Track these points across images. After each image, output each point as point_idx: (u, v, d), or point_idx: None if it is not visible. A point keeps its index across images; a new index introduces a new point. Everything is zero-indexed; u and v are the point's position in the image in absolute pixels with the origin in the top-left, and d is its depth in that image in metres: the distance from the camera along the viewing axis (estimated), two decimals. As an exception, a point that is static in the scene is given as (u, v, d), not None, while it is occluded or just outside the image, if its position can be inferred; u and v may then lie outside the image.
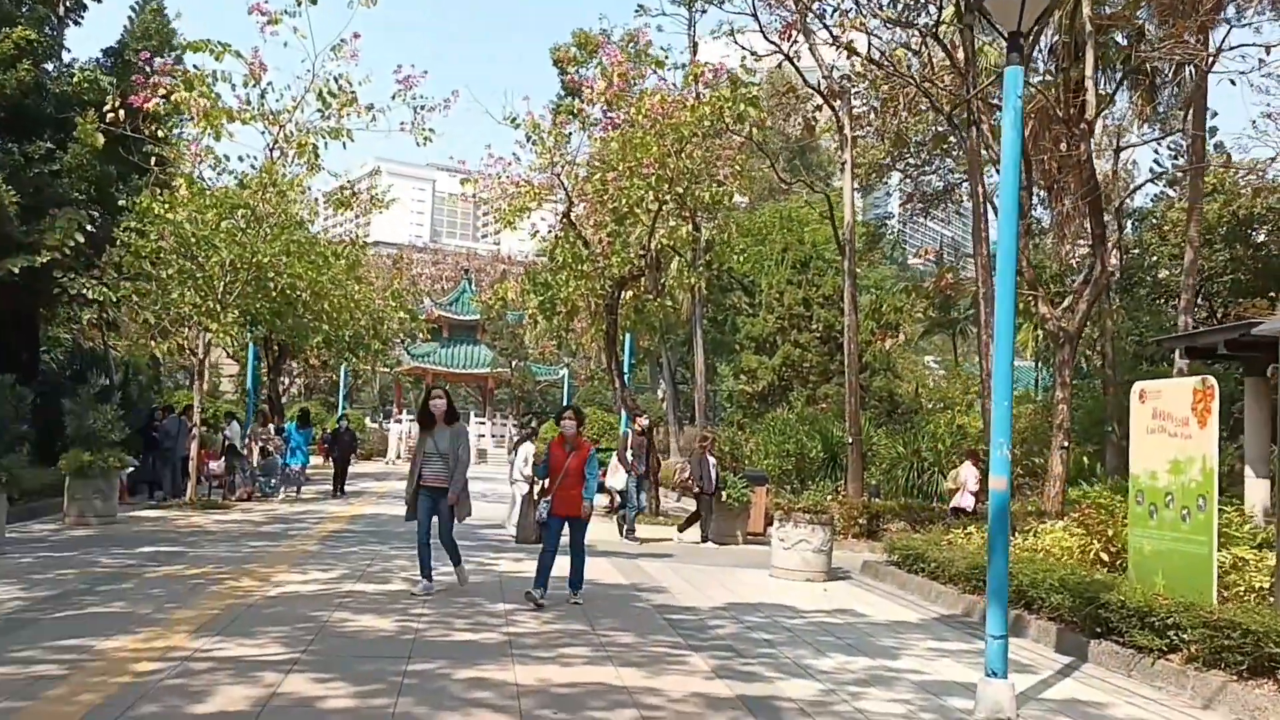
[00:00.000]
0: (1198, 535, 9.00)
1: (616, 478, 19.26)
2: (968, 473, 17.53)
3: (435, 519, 10.87)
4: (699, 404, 34.91)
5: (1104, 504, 12.10)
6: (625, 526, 18.07)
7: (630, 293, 22.63)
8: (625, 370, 24.84)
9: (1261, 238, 25.37)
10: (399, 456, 39.59)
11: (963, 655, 9.40)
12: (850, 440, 18.65)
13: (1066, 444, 19.40)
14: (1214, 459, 8.89)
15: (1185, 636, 8.49)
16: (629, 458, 18.62)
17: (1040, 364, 32.76)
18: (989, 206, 18.17)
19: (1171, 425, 9.44)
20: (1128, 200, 25.15)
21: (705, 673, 7.94)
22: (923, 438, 20.35)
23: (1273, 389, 16.46)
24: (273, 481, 23.89)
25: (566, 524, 10.67)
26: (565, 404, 50.39)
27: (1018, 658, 9.45)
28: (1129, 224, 26.78)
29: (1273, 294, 23.10)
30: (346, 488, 25.86)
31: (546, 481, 10.86)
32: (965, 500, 17.44)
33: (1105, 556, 11.42)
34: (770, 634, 9.80)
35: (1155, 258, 27.32)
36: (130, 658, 7.40)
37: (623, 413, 25.61)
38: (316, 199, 22.18)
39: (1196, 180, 20.53)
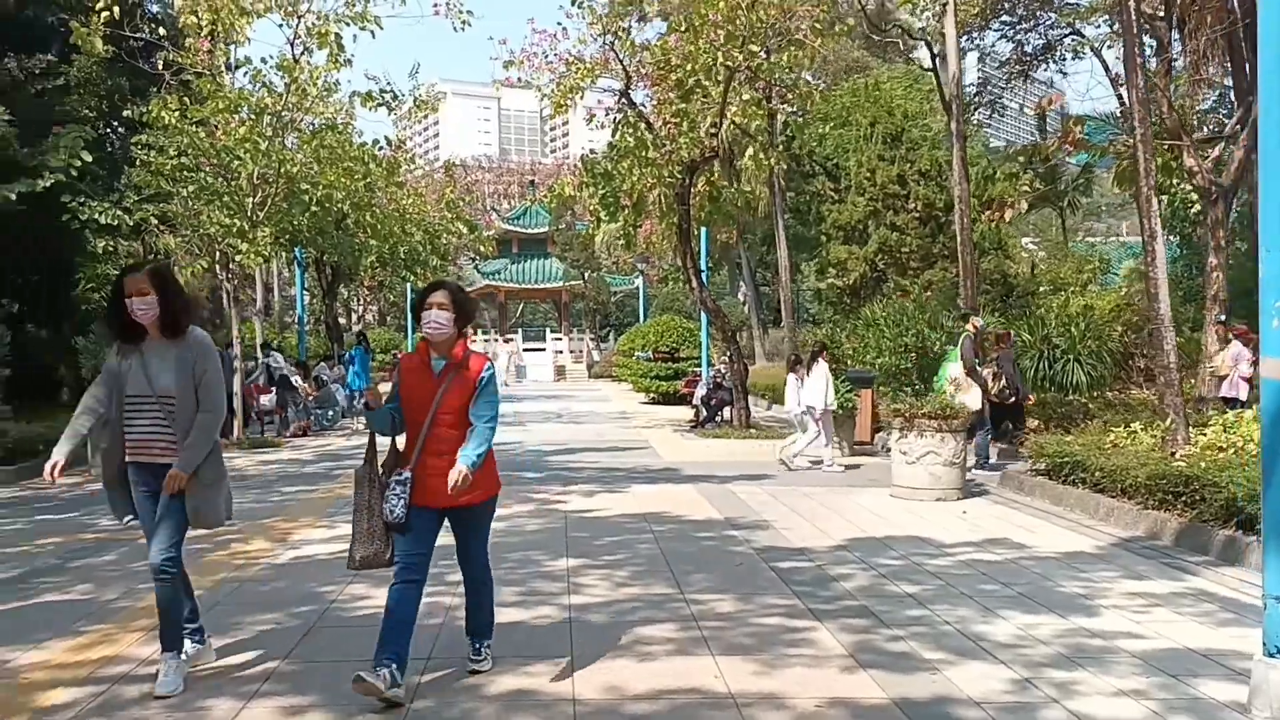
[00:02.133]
0: None
1: (971, 396, 13.70)
2: (1239, 353, 14.88)
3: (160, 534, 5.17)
4: (785, 303, 32.31)
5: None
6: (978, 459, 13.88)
7: (703, 180, 20.02)
8: (703, 269, 22.36)
9: None
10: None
11: (1181, 602, 6.96)
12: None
13: (1224, 317, 16.52)
14: None
15: None
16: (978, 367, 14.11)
17: (1173, 234, 29.36)
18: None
19: None
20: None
21: (841, 657, 5.67)
22: (1051, 322, 17.60)
23: None
24: (330, 414, 22.14)
25: (447, 521, 5.22)
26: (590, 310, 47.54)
27: (1244, 596, 7.10)
28: None
29: None
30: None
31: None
32: (1239, 389, 14.82)
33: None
34: (914, 584, 7.47)
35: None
36: (46, 680, 5.37)
37: (703, 316, 23.22)
38: (350, 99, 19.87)
39: None
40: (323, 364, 22.97)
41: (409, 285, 34.44)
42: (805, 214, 34.19)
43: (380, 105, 19.85)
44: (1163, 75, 17.27)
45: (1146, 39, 18.08)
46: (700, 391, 21.59)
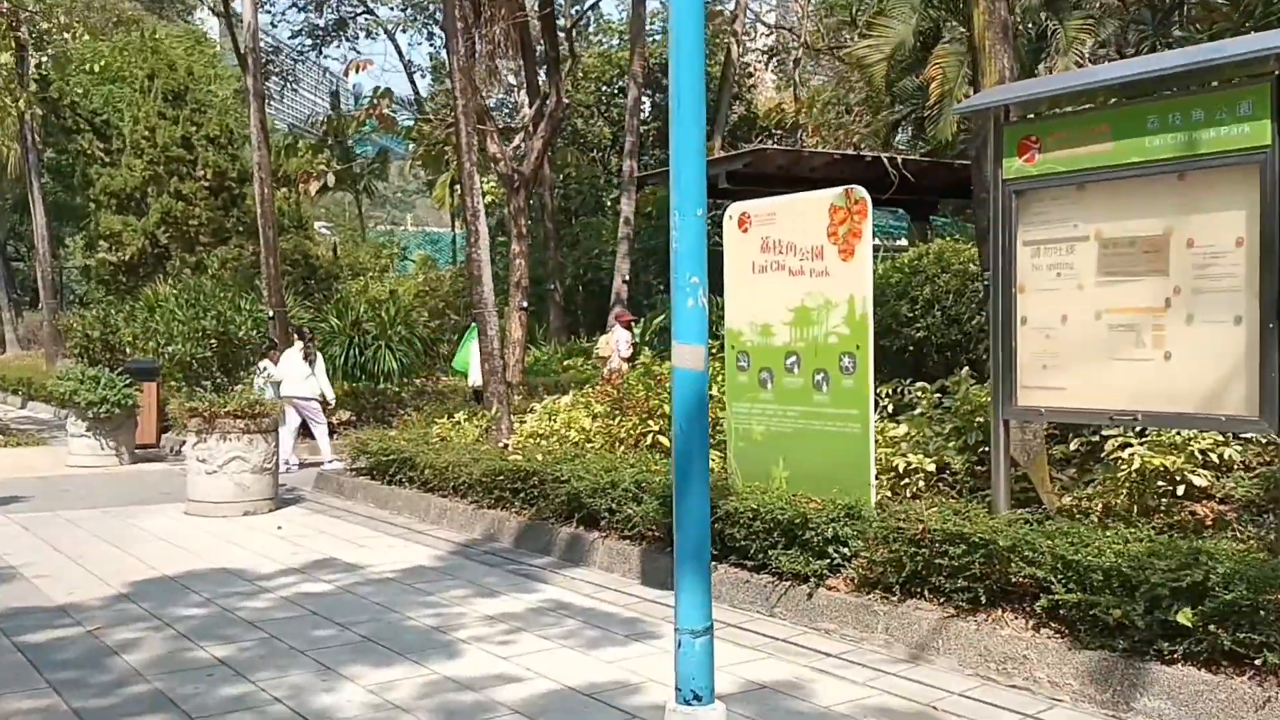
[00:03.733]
0: (844, 408, 6.51)
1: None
2: (620, 337, 14.75)
3: None
4: (44, 281, 27.31)
5: (656, 370, 9.45)
6: None
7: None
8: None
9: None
10: None
11: (543, 622, 6.09)
12: (272, 314, 14.26)
13: (526, 304, 16.86)
14: (868, 300, 6.40)
15: (848, 552, 6.04)
16: None
17: (462, 223, 30.28)
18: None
19: (795, 259, 6.79)
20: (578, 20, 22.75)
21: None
22: (361, 307, 16.52)
23: None
24: None
25: None
26: None
27: (601, 604, 6.48)
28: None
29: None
30: None
31: None
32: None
33: (665, 439, 8.76)
34: (227, 643, 5.64)
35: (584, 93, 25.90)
36: None
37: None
38: None
39: (639, 7, 18.72)
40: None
41: None
42: (69, 177, 29.25)
43: None
44: (468, 58, 17.08)
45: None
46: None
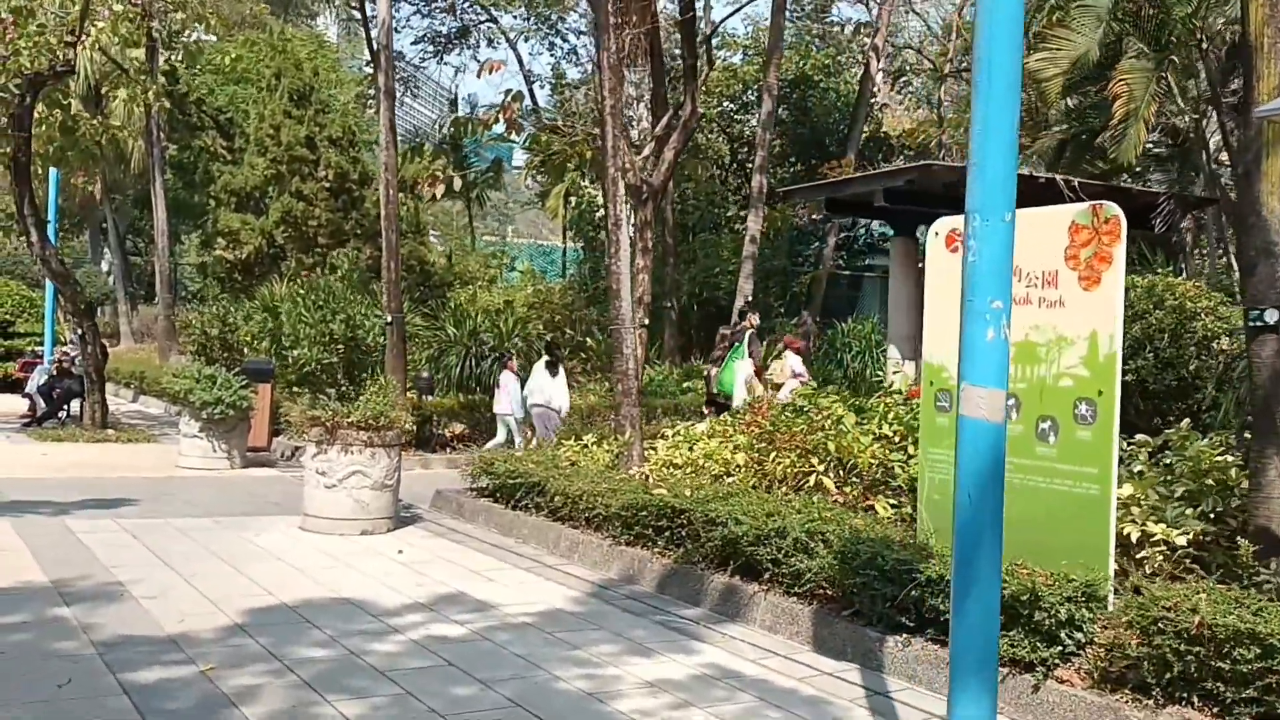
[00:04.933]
0: (1078, 464, 5.52)
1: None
2: (792, 363, 13.20)
3: None
4: (161, 276, 27.47)
5: (820, 402, 8.53)
6: None
7: (51, 103, 15.35)
8: (51, 221, 17.45)
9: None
10: None
11: (714, 695, 5.20)
12: (390, 320, 13.70)
13: (648, 320, 16.11)
14: (1116, 339, 5.40)
15: (1082, 638, 5.05)
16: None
17: (576, 235, 29.72)
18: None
19: (1021, 285, 5.79)
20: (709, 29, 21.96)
21: None
22: (476, 316, 15.91)
23: (922, 254, 14.19)
24: None
25: None
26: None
27: (773, 674, 5.58)
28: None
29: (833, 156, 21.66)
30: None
31: None
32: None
33: (829, 481, 7.82)
34: (357, 697, 4.88)
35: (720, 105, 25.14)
36: None
37: (48, 282, 18.22)
38: None
39: (778, 17, 17.85)
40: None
41: None
42: (191, 173, 29.48)
43: None
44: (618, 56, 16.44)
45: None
46: (38, 379, 16.71)
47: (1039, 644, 5.08)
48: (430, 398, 14.71)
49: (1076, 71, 12.43)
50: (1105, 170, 13.55)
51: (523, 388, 13.62)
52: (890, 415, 8.09)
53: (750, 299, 19.37)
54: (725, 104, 28.12)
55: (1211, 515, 6.09)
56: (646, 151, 16.90)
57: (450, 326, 15.62)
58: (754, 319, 13.89)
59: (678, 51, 27.19)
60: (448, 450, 13.94)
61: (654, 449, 10.29)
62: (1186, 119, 13.10)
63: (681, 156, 17.17)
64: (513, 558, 8.40)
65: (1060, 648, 5.07)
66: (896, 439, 7.83)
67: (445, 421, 14.41)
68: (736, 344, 13.06)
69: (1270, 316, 5.44)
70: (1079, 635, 5.08)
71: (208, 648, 5.56)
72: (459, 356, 15.14)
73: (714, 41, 29.84)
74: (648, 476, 8.75)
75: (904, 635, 5.74)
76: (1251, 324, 5.52)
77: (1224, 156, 14.78)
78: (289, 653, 5.54)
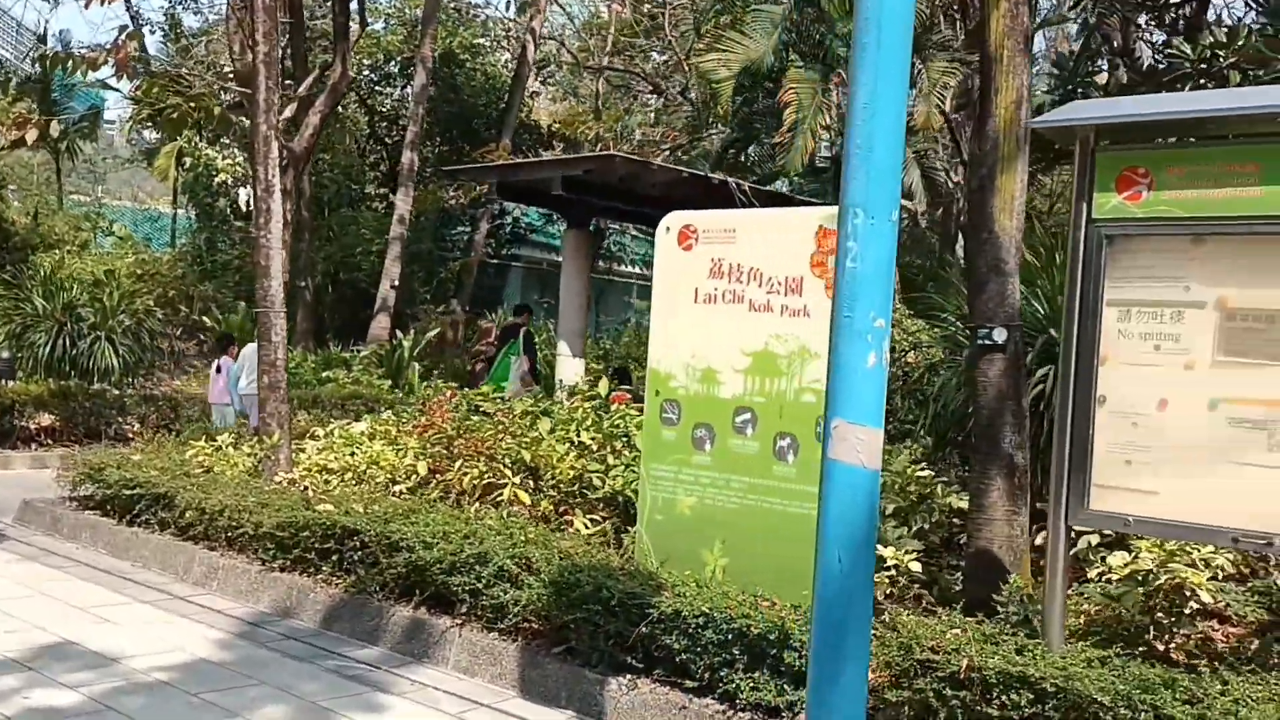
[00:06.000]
0: (816, 486, 5.12)
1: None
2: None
3: None
4: None
5: (517, 406, 7.71)
6: None
7: None
8: None
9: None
10: None
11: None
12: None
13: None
14: (864, 354, 5.05)
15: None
16: None
17: (190, 201, 26.53)
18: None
19: (761, 291, 5.35)
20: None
21: None
22: (75, 289, 13.42)
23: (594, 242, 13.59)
24: None
25: None
26: None
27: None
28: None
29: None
30: None
31: None
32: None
33: (525, 495, 7.02)
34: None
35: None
36: None
37: None
38: None
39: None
40: None
41: None
42: None
43: None
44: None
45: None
46: None
47: (786, 686, 4.62)
48: (11, 383, 12.22)
49: (748, 76, 12.54)
50: (761, 177, 13.84)
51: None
52: (588, 422, 7.45)
53: (396, 284, 18.17)
54: (365, 73, 26.44)
55: (925, 533, 6.01)
56: (287, 114, 15.17)
57: (38, 298, 13.08)
58: (528, 317, 13.79)
59: (320, 12, 25.28)
60: (34, 447, 11.63)
61: (303, 450, 9.04)
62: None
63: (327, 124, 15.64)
64: (133, 588, 6.86)
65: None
66: (595, 448, 7.20)
67: (31, 412, 12.01)
68: (512, 340, 12.85)
69: (999, 335, 5.35)
70: (825, 674, 4.66)
71: None
72: (49, 334, 12.67)
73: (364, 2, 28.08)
74: (307, 488, 7.52)
75: (628, 676, 5.09)
76: (980, 342, 5.40)
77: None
78: None
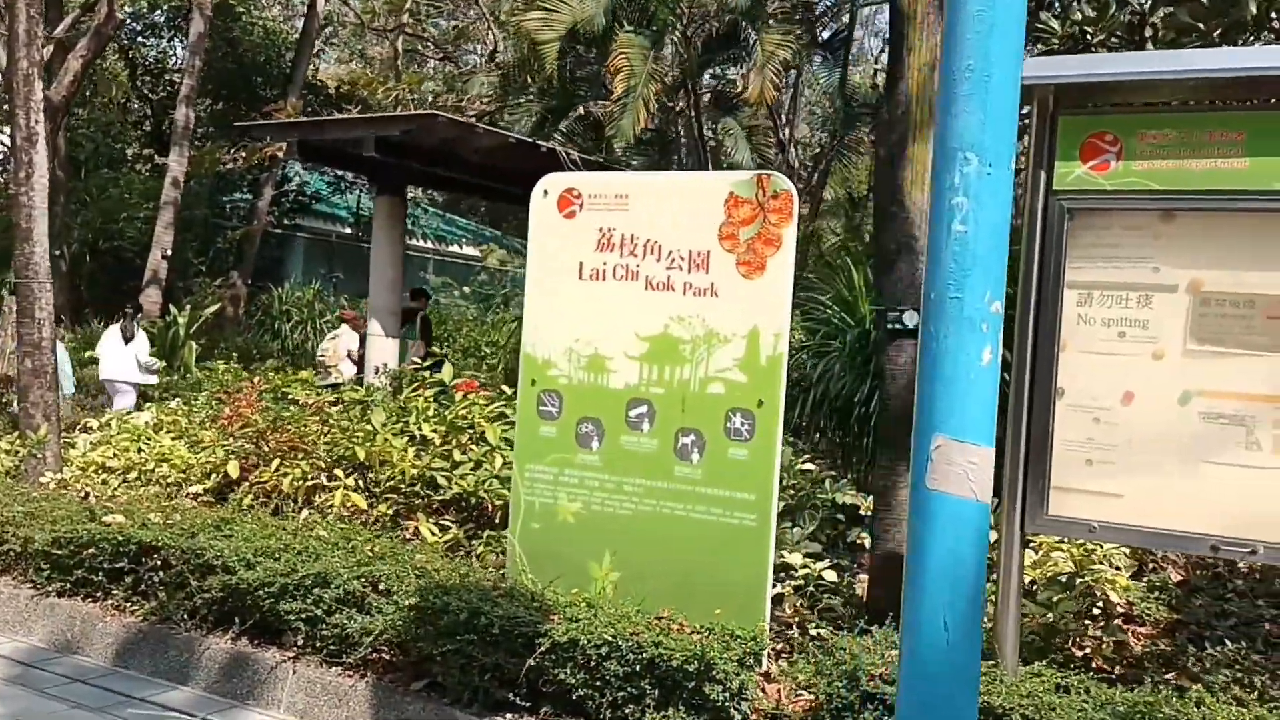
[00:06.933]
0: (729, 488, 4.52)
1: None
2: (349, 342, 11.59)
3: None
4: None
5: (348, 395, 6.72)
6: None
7: None
8: None
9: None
10: None
11: None
12: None
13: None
14: (782, 338, 4.47)
15: (748, 709, 4.10)
16: None
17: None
18: None
19: (660, 266, 4.67)
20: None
21: None
22: None
23: (405, 211, 12.41)
24: None
25: None
26: None
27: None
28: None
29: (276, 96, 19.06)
30: None
31: None
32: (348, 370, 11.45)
33: (360, 499, 6.06)
34: None
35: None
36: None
37: None
38: None
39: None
40: None
41: None
42: None
43: None
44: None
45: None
46: None
47: (706, 722, 4.00)
48: None
49: (571, 40, 11.78)
50: (582, 148, 13.14)
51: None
52: (429, 412, 6.56)
53: (169, 253, 16.37)
54: (128, 21, 23.89)
55: (817, 533, 5.53)
56: (47, 53, 13.21)
57: None
58: (425, 302, 12.85)
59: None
60: None
61: (73, 445, 7.75)
62: (675, 103, 13.18)
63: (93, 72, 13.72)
64: None
65: (731, 725, 4.03)
66: (438, 442, 6.33)
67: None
68: (409, 324, 11.89)
69: (910, 319, 4.89)
70: (745, 707, 4.08)
71: None
72: None
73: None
74: (88, 493, 6.29)
75: (510, 716, 4.34)
76: (890, 326, 4.94)
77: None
78: None
